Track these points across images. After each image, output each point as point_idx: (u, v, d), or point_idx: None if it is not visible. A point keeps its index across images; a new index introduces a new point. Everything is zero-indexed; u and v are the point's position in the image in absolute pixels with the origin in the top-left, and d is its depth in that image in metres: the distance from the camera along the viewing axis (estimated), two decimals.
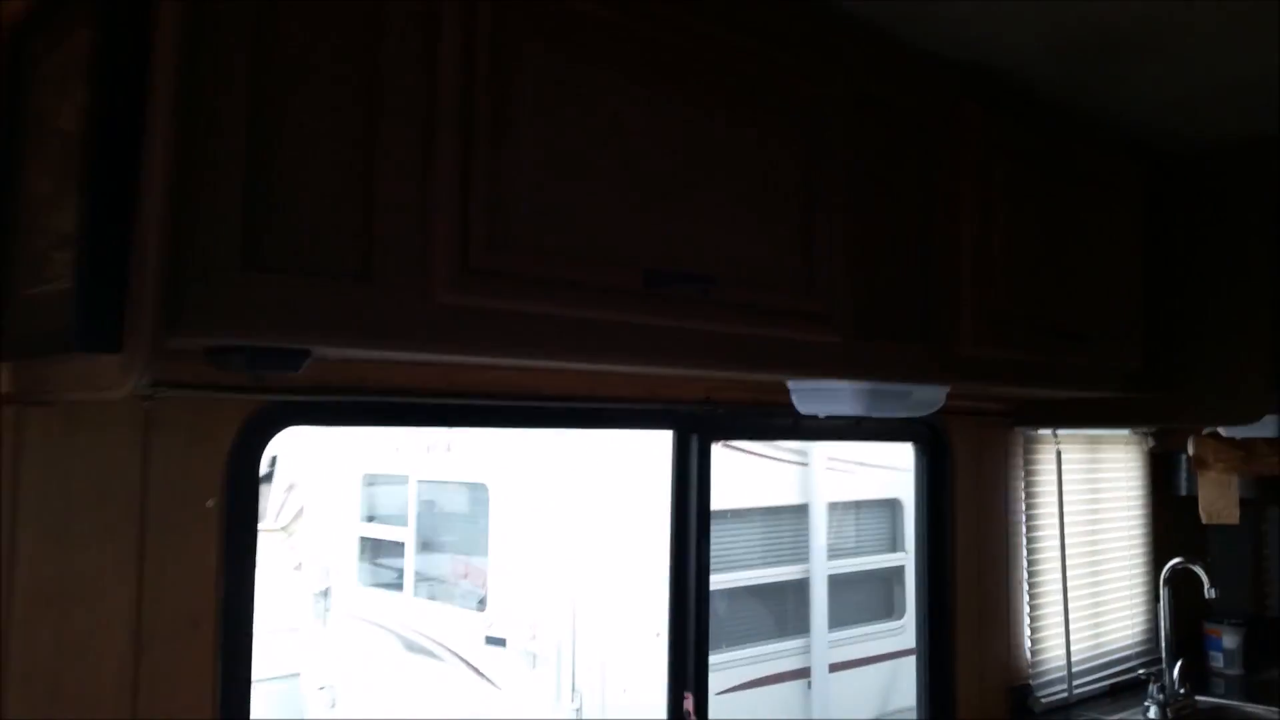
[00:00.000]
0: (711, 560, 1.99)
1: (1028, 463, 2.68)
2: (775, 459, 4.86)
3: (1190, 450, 2.81)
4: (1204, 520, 2.84)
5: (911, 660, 4.97)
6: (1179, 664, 2.65)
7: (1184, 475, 3.11)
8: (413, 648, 5.30)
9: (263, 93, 1.00)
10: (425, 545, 5.61)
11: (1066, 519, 2.75)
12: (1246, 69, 1.83)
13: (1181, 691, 2.63)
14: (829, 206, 1.54)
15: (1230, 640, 2.99)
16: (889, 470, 5.22)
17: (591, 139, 1.25)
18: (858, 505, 5.29)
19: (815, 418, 1.95)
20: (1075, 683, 2.70)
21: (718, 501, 2.00)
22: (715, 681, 2.12)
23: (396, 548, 5.72)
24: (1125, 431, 3.01)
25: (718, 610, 4.32)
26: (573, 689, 4.49)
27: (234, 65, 0.98)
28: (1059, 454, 2.73)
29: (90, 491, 1.27)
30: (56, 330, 0.98)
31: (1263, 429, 2.37)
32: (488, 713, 4.72)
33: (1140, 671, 2.71)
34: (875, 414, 1.75)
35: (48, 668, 1.22)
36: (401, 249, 1.10)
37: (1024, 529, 2.65)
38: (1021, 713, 2.57)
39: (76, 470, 1.26)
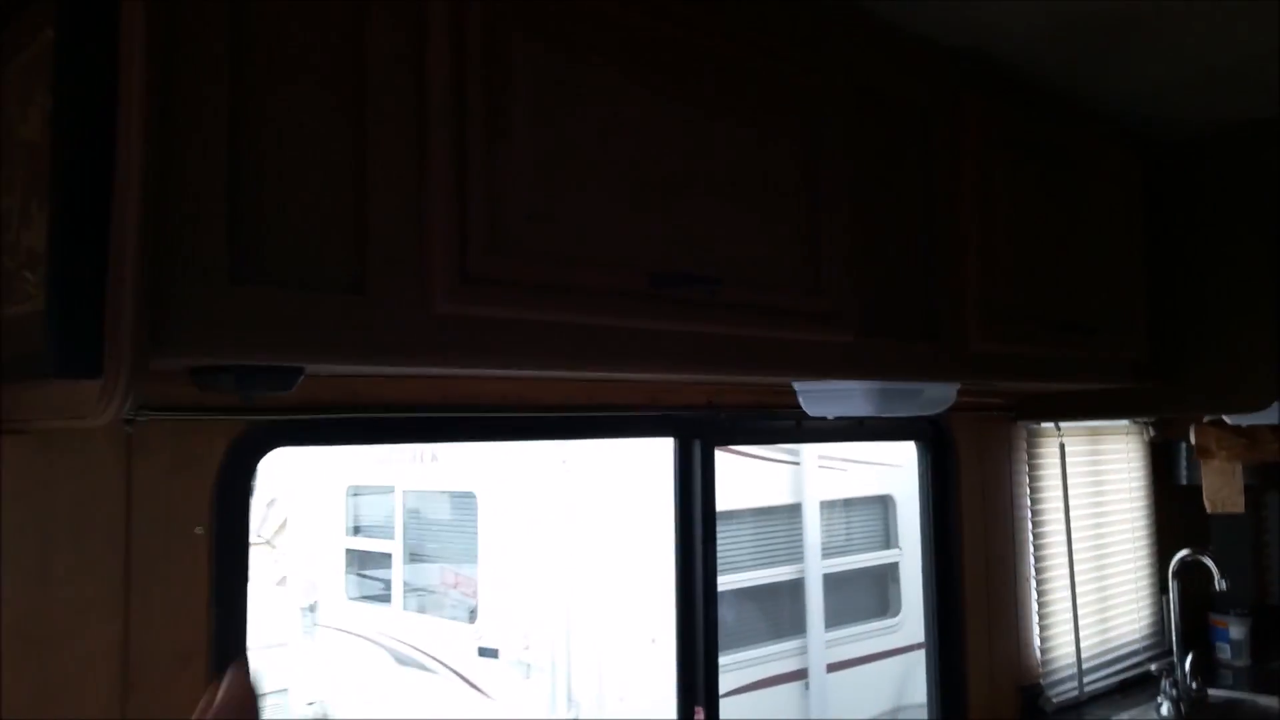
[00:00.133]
0: None
1: (1031, 457, 2.64)
2: (766, 459, 4.81)
3: (1192, 439, 2.78)
4: (1209, 509, 2.81)
5: (913, 656, 4.96)
6: (1190, 658, 2.62)
7: (1184, 464, 3.08)
8: (403, 661, 5.22)
9: (244, 94, 0.93)
10: (413, 556, 5.53)
11: (1071, 513, 2.71)
12: (1244, 52, 1.80)
13: (1193, 686, 2.60)
14: (832, 203, 1.49)
15: (1237, 631, 2.96)
16: (880, 466, 5.18)
17: (590, 138, 1.19)
18: (850, 503, 5.24)
19: (821, 419, 1.90)
20: (1085, 679, 2.66)
21: None
22: None
23: (384, 559, 5.64)
24: (1125, 422, 2.98)
25: None
26: (569, 699, 4.42)
27: (212, 62, 0.91)
28: (1062, 447, 2.69)
29: (71, 523, 1.19)
30: (30, 354, 0.91)
31: (1266, 415, 2.34)
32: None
33: (1152, 667, 2.67)
34: (887, 414, 1.70)
35: (30, 712, 1.15)
36: (396, 258, 1.03)
37: (1030, 524, 2.61)
38: (1033, 713, 2.53)
39: (56, 500, 1.19)
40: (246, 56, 0.94)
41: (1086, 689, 2.66)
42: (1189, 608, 2.84)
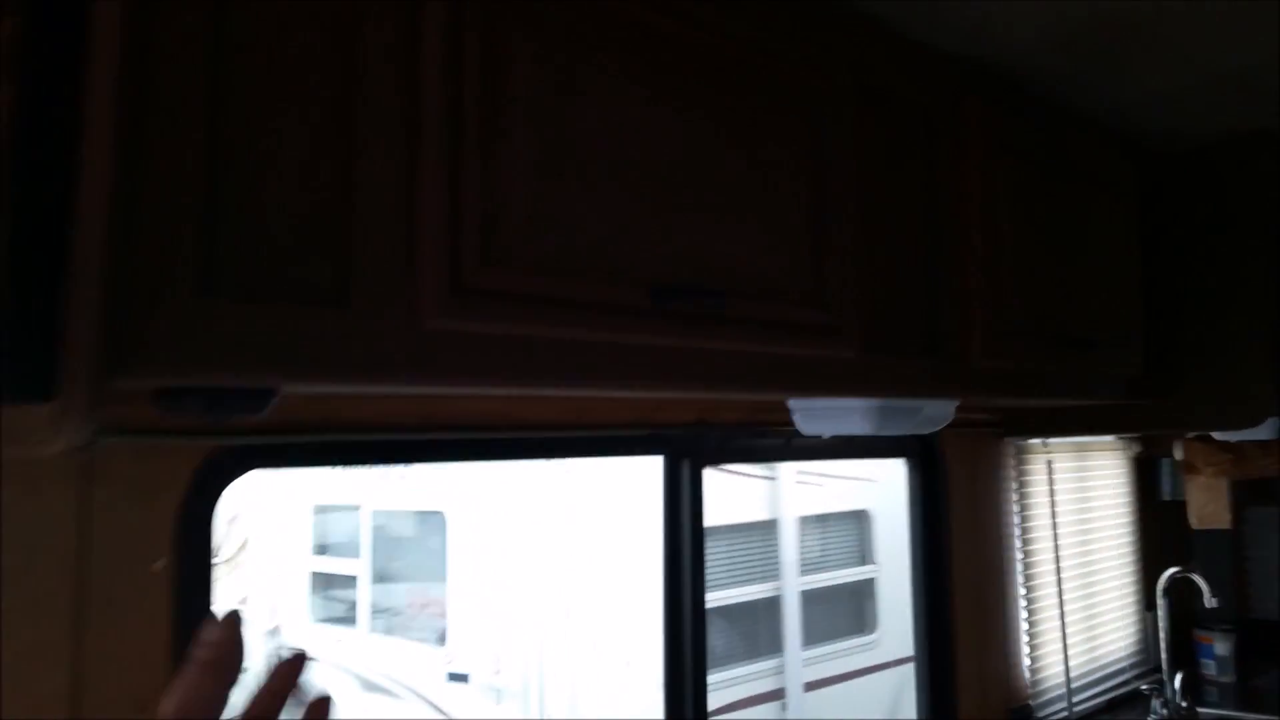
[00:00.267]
0: None
1: (1019, 474, 2.60)
2: (743, 474, 4.75)
3: (1178, 455, 2.76)
4: (1194, 525, 2.79)
5: (890, 674, 4.90)
6: (1180, 676, 2.58)
7: (1166, 480, 3.05)
8: (370, 687, 5.08)
9: (222, 92, 0.85)
10: (380, 576, 5.39)
11: (1059, 529, 2.67)
12: (1244, 61, 1.77)
13: (1184, 705, 2.56)
14: (837, 213, 1.42)
15: (1222, 647, 2.93)
16: (856, 482, 5.14)
17: (590, 142, 1.11)
18: (827, 518, 5.19)
19: (817, 437, 1.84)
20: (1074, 699, 2.62)
21: None
22: None
23: (349, 580, 5.50)
24: (1110, 438, 2.95)
25: None
26: None
27: (190, 58, 0.83)
28: (1050, 464, 2.65)
29: (18, 559, 1.09)
30: None
31: (1257, 431, 2.31)
32: None
33: (1143, 686, 2.63)
34: (885, 432, 1.63)
35: None
36: (382, 268, 0.95)
37: (1018, 542, 2.56)
38: None
39: (2, 534, 1.08)
40: (225, 53, 0.85)
41: (1075, 709, 2.62)
42: (1173, 625, 2.80)
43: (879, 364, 1.51)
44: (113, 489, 1.16)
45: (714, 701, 4.58)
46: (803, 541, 5.02)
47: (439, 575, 4.84)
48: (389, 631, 5.23)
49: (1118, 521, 3.00)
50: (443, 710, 4.64)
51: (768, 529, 4.89)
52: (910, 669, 2.38)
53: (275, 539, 5.79)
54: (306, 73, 0.91)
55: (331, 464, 1.44)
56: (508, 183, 1.03)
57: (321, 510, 5.70)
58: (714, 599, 4.60)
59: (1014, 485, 2.58)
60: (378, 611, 5.33)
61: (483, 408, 1.51)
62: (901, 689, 4.42)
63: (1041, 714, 2.55)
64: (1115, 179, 2.09)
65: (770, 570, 4.89)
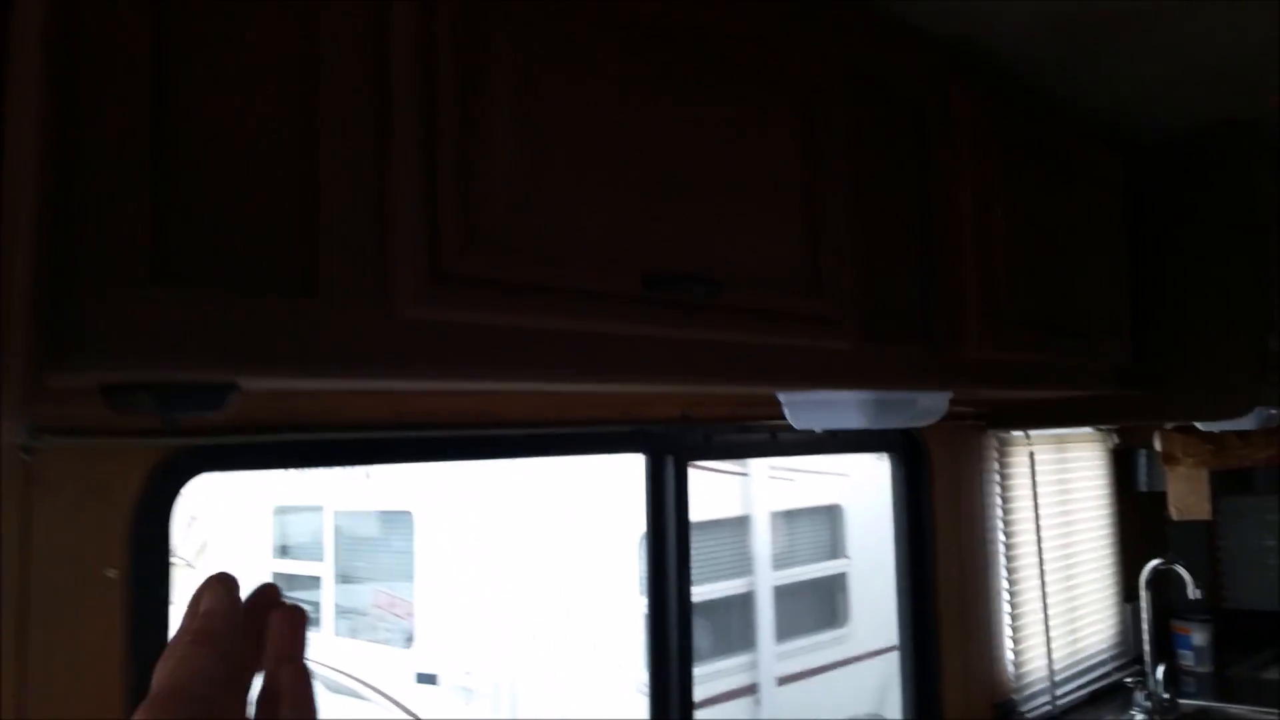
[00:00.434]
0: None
1: (1001, 466, 2.56)
2: (715, 470, 4.69)
3: (1158, 446, 2.73)
4: (1174, 516, 2.77)
5: (862, 666, 4.88)
6: (1162, 668, 2.55)
7: (1143, 471, 3.04)
8: (335, 689, 4.96)
9: (169, 47, 0.76)
10: (344, 577, 5.28)
11: (1041, 522, 2.63)
12: (1233, 50, 1.75)
13: (1166, 696, 2.54)
14: (832, 200, 1.36)
15: (1200, 638, 2.92)
16: (828, 476, 5.11)
17: (577, 123, 1.04)
18: (796, 514, 5.15)
19: (806, 432, 1.78)
20: (1057, 692, 2.59)
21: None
22: None
23: (313, 582, 5.37)
24: (1090, 429, 2.93)
25: None
26: None
27: (133, 22, 0.74)
28: (1032, 456, 2.61)
29: None
30: None
31: (1240, 422, 2.29)
32: None
33: (1127, 679, 2.61)
34: (879, 425, 1.57)
35: None
36: (354, 252, 0.87)
37: (1001, 535, 2.52)
38: None
39: None
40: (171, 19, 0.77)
41: (1058, 702, 2.59)
42: (1151, 616, 2.78)
43: (876, 355, 1.46)
44: (60, 493, 1.07)
45: None
46: (775, 536, 4.97)
47: (405, 576, 4.74)
48: (354, 634, 5.12)
49: (1098, 513, 2.98)
50: (411, 711, 4.55)
51: (740, 525, 4.84)
52: (887, 661, 2.34)
53: (235, 541, 5.64)
54: (267, 42, 0.83)
55: (295, 465, 1.35)
56: (490, 164, 0.95)
57: (282, 511, 5.56)
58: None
59: (997, 478, 2.54)
60: (342, 613, 5.22)
61: (458, 404, 1.43)
62: (885, 685, 4.38)
63: (1025, 708, 2.51)
64: (1101, 169, 2.06)
65: (743, 566, 4.84)
